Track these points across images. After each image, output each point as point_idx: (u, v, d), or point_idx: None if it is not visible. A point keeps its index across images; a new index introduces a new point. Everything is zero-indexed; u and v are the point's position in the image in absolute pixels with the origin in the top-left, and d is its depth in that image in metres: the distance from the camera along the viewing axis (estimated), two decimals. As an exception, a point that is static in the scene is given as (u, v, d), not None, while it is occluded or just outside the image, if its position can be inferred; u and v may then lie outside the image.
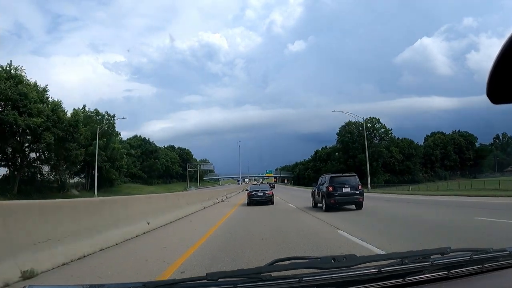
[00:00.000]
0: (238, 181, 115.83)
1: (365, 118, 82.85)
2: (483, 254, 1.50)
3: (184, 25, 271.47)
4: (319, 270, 1.33)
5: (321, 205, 14.92)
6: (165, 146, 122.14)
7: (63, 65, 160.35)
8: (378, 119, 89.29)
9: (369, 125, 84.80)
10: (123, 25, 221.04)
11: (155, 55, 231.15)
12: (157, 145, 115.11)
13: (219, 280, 1.27)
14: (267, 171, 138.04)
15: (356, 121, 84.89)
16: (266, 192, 20.20)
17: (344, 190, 13.79)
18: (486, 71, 1.12)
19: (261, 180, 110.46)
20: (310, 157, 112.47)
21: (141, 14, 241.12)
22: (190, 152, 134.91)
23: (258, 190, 20.53)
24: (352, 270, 1.34)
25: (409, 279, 1.34)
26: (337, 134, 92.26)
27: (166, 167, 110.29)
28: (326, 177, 15.01)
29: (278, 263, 1.42)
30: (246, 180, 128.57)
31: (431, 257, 1.46)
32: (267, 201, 19.64)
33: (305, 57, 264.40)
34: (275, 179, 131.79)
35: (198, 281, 1.30)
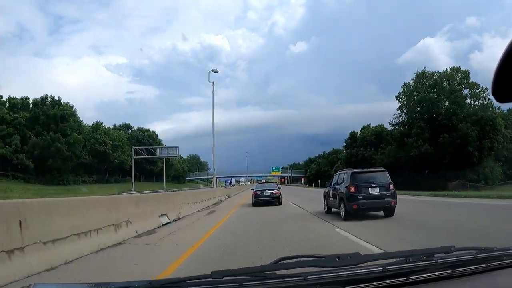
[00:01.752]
0: (227, 181, 77.72)
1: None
2: (487, 253, 1.51)
3: (186, 26, 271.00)
4: (324, 269, 1.34)
5: (337, 210, 11.80)
6: (116, 125, 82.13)
7: (64, 67, 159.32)
8: (467, 71, 49.61)
9: (450, 82, 48.97)
10: (124, 26, 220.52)
11: (156, 56, 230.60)
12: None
13: (224, 278, 1.28)
14: (273, 168, 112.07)
15: (436, 72, 50.04)
16: (273, 191, 19.05)
17: (371, 191, 10.58)
18: (489, 72, 1.10)
19: (264, 180, 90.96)
20: (343, 144, 73.97)
21: (142, 16, 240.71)
22: (156, 135, 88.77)
23: (264, 190, 19.36)
24: (356, 268, 1.35)
25: (413, 277, 1.35)
26: (398, 97, 52.54)
27: (97, 154, 63.45)
28: (344, 174, 11.74)
29: (283, 261, 1.43)
30: (242, 180, 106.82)
31: (435, 255, 1.46)
32: (274, 201, 18.46)
33: (307, 58, 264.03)
34: (283, 179, 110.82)
35: (203, 279, 1.31)
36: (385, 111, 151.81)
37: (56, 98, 60.33)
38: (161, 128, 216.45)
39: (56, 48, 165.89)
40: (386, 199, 10.62)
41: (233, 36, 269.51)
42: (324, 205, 13.58)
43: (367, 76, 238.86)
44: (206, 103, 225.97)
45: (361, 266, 1.36)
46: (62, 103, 59.69)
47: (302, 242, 7.28)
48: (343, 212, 10.87)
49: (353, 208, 10.48)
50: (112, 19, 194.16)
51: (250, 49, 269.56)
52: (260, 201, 18.34)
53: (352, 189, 10.60)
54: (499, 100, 1.11)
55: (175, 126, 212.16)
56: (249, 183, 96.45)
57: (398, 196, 11.36)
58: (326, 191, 13.41)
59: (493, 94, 1.09)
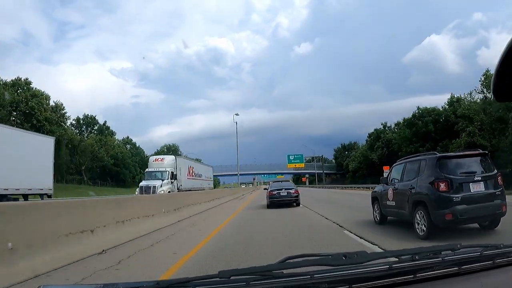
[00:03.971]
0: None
1: None
2: (494, 250, 1.51)
3: (190, 30, 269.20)
4: (330, 267, 1.34)
5: (393, 218, 8.54)
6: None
7: (70, 73, 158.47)
8: None
9: None
10: (128, 31, 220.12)
11: (161, 61, 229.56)
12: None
13: (231, 277, 1.28)
14: (292, 159, 75.04)
15: None
16: (290, 191, 17.63)
17: (474, 188, 6.62)
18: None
19: (269, 181, 50.76)
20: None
21: (146, 20, 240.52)
22: (47, 97, 50.78)
23: (281, 189, 17.70)
24: (363, 267, 1.35)
25: (420, 275, 1.35)
26: None
27: None
28: (419, 162, 7.56)
29: (290, 260, 1.44)
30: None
31: (442, 253, 1.46)
32: (292, 202, 17.27)
33: (311, 59, 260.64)
34: (304, 178, 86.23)
35: (210, 279, 1.32)
36: (390, 111, 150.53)
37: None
38: (166, 131, 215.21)
39: (61, 54, 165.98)
40: (495, 202, 6.68)
41: (237, 38, 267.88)
42: (375, 212, 9.51)
43: (372, 75, 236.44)
44: (211, 105, 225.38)
45: (367, 265, 1.36)
46: None
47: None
48: (424, 226, 6.80)
49: (446, 219, 6.45)
50: (116, 24, 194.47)
51: (255, 51, 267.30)
52: (275, 202, 17.12)
53: (443, 186, 6.60)
54: (499, 99, 1.12)
55: (180, 129, 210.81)
56: (245, 186, 70.51)
57: None
58: (379, 191, 9.29)
59: (493, 93, 1.10)
